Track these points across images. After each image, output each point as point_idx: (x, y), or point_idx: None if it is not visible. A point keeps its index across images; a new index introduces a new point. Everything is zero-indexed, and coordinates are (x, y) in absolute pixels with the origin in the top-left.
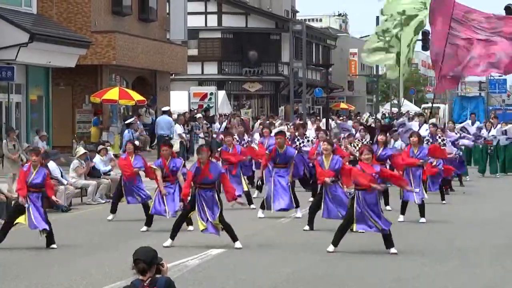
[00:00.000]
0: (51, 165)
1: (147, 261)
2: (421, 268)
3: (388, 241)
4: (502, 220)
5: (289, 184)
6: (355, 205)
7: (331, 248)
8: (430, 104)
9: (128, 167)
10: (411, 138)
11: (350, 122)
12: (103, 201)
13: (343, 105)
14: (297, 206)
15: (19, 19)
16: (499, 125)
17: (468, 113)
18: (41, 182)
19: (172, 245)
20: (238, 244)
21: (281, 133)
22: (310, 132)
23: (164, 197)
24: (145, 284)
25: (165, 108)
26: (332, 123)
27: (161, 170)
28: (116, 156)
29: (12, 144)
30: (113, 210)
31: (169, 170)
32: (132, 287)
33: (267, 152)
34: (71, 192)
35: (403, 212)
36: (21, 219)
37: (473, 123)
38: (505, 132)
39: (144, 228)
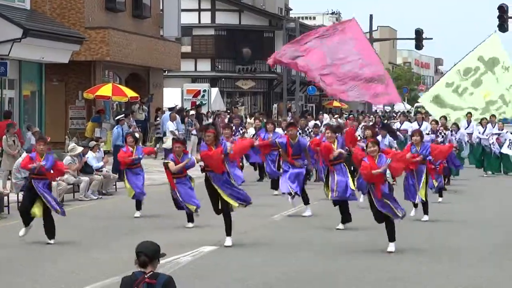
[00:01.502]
0: None
1: (148, 255)
2: (419, 267)
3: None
4: (500, 220)
5: (306, 170)
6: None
7: None
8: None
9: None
10: (413, 137)
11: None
12: (95, 197)
13: (336, 103)
14: (306, 203)
15: (13, 15)
16: (489, 125)
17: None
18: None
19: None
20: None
21: (292, 125)
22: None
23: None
24: (146, 276)
25: (171, 105)
26: (332, 121)
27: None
28: (107, 152)
29: (12, 140)
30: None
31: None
32: (133, 277)
33: (277, 141)
34: (63, 188)
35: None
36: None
37: (469, 123)
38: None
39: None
